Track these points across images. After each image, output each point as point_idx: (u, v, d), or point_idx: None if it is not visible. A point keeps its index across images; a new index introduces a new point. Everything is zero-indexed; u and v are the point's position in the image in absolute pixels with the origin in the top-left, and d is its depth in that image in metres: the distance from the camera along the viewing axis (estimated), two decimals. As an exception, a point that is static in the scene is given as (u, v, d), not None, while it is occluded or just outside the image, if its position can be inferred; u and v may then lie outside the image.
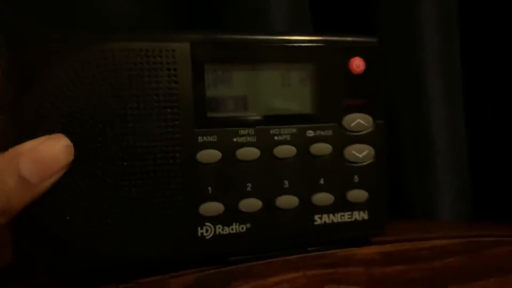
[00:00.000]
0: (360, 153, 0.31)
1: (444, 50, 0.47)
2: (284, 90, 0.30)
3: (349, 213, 0.31)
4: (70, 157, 0.26)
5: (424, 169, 0.47)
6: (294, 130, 0.30)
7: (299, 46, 0.30)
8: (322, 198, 0.30)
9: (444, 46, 0.47)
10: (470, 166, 0.50)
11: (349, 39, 0.31)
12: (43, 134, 0.26)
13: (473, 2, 0.49)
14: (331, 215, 0.31)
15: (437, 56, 0.47)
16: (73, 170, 0.26)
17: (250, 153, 0.29)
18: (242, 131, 0.29)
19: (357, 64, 0.31)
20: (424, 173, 0.47)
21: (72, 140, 0.26)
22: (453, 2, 0.49)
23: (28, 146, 0.25)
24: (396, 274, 0.33)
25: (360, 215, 0.31)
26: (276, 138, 0.29)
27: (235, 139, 0.29)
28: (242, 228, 0.29)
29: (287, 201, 0.30)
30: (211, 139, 0.28)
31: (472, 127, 0.50)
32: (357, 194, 0.31)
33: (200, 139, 0.28)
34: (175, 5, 0.44)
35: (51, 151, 0.25)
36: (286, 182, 0.30)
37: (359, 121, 0.31)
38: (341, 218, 0.31)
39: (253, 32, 0.30)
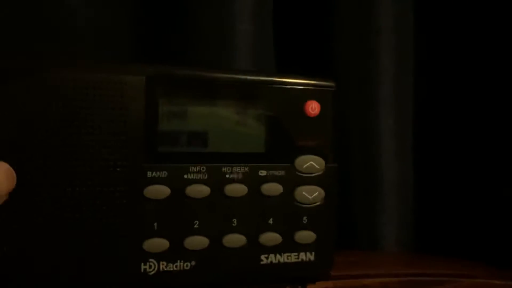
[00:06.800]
0: (310, 194, 0.31)
1: (396, 85, 0.49)
2: (239, 128, 0.30)
3: (296, 253, 0.31)
4: (11, 185, 0.25)
5: (371, 199, 0.48)
6: (246, 169, 0.30)
7: (256, 85, 0.30)
8: (270, 238, 0.30)
9: (397, 81, 0.49)
10: (415, 197, 0.52)
11: (307, 81, 0.31)
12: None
13: (430, 38, 0.52)
14: (277, 255, 0.31)
15: (389, 91, 0.49)
16: (13, 198, 0.25)
17: (200, 190, 0.29)
18: (193, 168, 0.29)
19: (313, 107, 0.31)
20: (371, 203, 0.48)
21: (13, 168, 0.25)
22: (409, 37, 0.51)
23: None
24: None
25: (307, 256, 0.31)
26: (227, 176, 0.29)
27: (185, 176, 0.28)
28: (187, 265, 0.29)
29: (234, 240, 0.29)
30: (160, 175, 0.28)
31: (420, 158, 0.52)
32: (305, 235, 0.31)
33: (149, 174, 0.28)
34: (141, 17, 0.45)
35: None
36: (235, 221, 0.30)
37: (311, 163, 0.31)
38: (287, 259, 0.31)
39: (211, 69, 0.30)
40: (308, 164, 0.31)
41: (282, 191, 0.30)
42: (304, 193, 0.31)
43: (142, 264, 0.28)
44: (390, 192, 0.50)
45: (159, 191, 0.28)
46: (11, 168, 0.25)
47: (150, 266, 0.28)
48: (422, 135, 0.53)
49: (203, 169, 0.29)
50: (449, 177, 0.52)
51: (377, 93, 0.49)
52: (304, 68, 0.42)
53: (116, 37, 0.45)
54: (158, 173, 0.28)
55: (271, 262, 0.30)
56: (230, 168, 0.29)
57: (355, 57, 0.50)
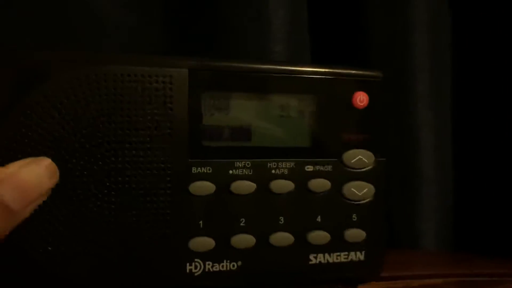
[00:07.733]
0: (360, 191, 0.30)
1: (434, 79, 0.48)
2: (284, 122, 0.29)
3: (346, 253, 0.30)
4: (54, 180, 0.25)
5: (410, 196, 0.47)
6: (292, 164, 0.29)
7: (301, 77, 0.29)
8: (318, 236, 0.29)
9: (435, 76, 0.49)
10: (455, 193, 0.50)
11: (354, 72, 0.30)
12: (27, 156, 0.24)
13: (467, 32, 0.50)
14: (326, 255, 0.29)
15: (427, 85, 0.48)
16: (57, 195, 0.25)
17: (245, 186, 0.28)
18: (238, 163, 0.28)
19: (361, 98, 0.30)
20: (410, 200, 0.48)
21: (57, 164, 0.24)
22: (447, 32, 0.50)
23: (10, 170, 0.23)
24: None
25: (356, 256, 0.30)
26: (273, 172, 0.28)
27: (230, 171, 0.27)
28: (233, 265, 0.28)
29: (282, 238, 0.28)
30: (205, 171, 0.27)
31: (459, 153, 0.51)
32: (355, 234, 0.30)
33: (194, 170, 0.27)
34: (171, 15, 0.45)
35: (33, 176, 0.24)
36: (282, 219, 0.28)
37: (360, 157, 0.30)
38: (336, 258, 0.30)
39: (254, 61, 0.29)
40: (357, 158, 0.30)
41: (330, 187, 0.29)
42: (353, 189, 0.30)
43: (188, 264, 0.27)
44: (429, 188, 0.49)
45: (204, 187, 0.27)
46: (53, 164, 0.25)
47: (196, 267, 0.27)
48: (462, 129, 0.52)
49: (248, 164, 0.28)
50: (490, 173, 0.50)
51: (415, 87, 0.48)
52: (340, 63, 0.41)
53: (145, 34, 0.44)
54: (203, 168, 0.27)
55: (320, 262, 0.29)
56: (275, 163, 0.28)
57: (393, 51, 0.49)
